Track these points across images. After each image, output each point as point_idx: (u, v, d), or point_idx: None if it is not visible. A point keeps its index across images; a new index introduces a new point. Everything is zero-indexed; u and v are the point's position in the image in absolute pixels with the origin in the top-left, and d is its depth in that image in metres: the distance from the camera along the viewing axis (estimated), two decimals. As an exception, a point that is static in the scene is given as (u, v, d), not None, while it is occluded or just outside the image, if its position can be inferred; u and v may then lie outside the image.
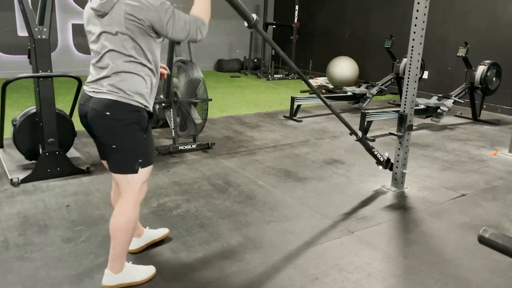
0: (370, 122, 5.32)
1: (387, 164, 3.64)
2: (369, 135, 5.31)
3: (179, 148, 4.41)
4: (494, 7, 6.80)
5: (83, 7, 9.08)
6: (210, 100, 4.43)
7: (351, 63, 8.68)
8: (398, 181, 3.65)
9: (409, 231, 2.98)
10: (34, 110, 3.66)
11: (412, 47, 3.38)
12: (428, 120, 6.07)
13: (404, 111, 3.51)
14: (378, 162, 3.61)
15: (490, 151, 4.86)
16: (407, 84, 3.48)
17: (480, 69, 6.12)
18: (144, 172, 2.13)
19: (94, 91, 2.02)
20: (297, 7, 9.83)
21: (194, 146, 4.49)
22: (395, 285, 2.35)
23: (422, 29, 3.31)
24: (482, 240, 1.36)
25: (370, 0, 8.86)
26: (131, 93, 2.00)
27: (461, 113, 6.67)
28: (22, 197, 3.25)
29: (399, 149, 3.60)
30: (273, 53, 11.39)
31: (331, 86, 8.56)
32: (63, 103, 5.49)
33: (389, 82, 7.22)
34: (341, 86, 8.13)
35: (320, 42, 10.25)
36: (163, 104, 4.50)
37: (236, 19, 10.89)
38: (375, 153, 3.54)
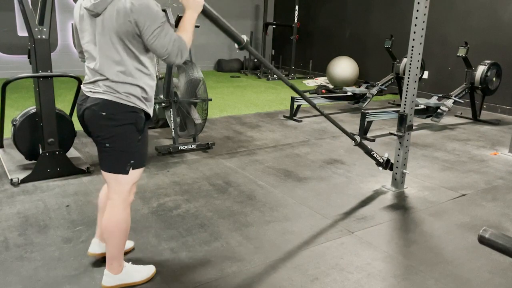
0: (370, 122, 5.32)
1: (387, 164, 3.64)
2: (369, 135, 5.31)
3: (179, 148, 4.41)
4: (494, 7, 6.80)
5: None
6: (210, 100, 4.44)
7: (351, 63, 8.68)
8: (398, 181, 3.65)
9: (409, 231, 2.98)
10: (34, 110, 3.66)
11: (412, 47, 3.38)
12: (428, 120, 6.07)
13: (404, 111, 3.51)
14: (378, 163, 3.62)
15: (490, 151, 4.86)
16: (407, 84, 3.48)
17: (480, 69, 6.12)
18: (135, 174, 2.12)
19: (91, 91, 2.02)
20: (297, 7, 9.83)
21: (194, 146, 4.49)
22: (395, 285, 2.35)
23: (422, 29, 3.31)
24: (482, 240, 1.35)
25: (370, 0, 8.86)
26: (128, 95, 1.99)
27: (461, 113, 6.67)
28: (22, 197, 3.25)
29: (399, 149, 3.60)
30: (273, 53, 11.40)
31: (331, 86, 8.56)
32: (63, 103, 5.49)
33: (389, 82, 7.22)
34: (341, 86, 8.14)
35: (320, 42, 10.25)
36: (163, 104, 4.50)
37: (236, 19, 10.91)
38: (374, 155, 3.54)
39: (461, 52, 6.11)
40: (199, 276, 2.35)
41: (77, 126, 2.38)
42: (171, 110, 4.45)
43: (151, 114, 2.15)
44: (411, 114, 3.52)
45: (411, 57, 3.41)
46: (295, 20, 9.91)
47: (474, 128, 5.94)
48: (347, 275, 2.41)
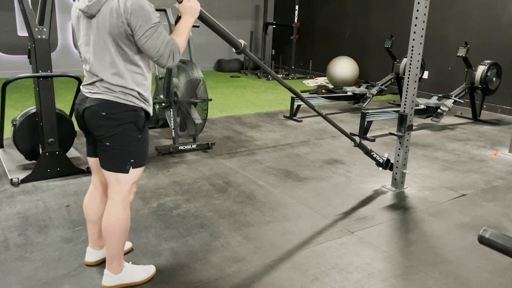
0: (370, 122, 5.32)
1: (387, 164, 3.64)
2: (369, 135, 5.31)
3: (179, 148, 4.41)
4: (494, 7, 6.80)
5: (83, 7, 8.84)
6: (210, 100, 4.43)
7: (351, 63, 8.68)
8: (398, 181, 3.65)
9: (409, 231, 2.98)
10: (34, 110, 3.66)
11: (412, 47, 3.38)
12: (428, 120, 6.07)
13: (404, 111, 3.51)
14: (378, 163, 3.62)
15: (490, 151, 4.86)
16: (407, 84, 3.48)
17: (480, 69, 6.12)
18: (135, 173, 2.11)
19: (90, 92, 2.02)
20: (297, 7, 9.83)
21: (194, 146, 4.49)
22: (395, 285, 2.35)
23: (422, 29, 3.31)
24: (482, 240, 1.35)
25: (370, 0, 8.86)
26: (126, 94, 1.99)
27: (461, 113, 6.67)
28: (22, 197, 3.25)
29: (399, 149, 3.60)
30: (273, 53, 11.40)
31: (331, 86, 8.56)
32: (63, 103, 5.49)
33: (389, 82, 7.22)
34: (341, 86, 8.14)
35: (320, 42, 10.25)
36: (163, 104, 4.50)
37: (236, 19, 10.92)
38: (374, 155, 3.54)
39: (461, 52, 6.11)
40: (199, 276, 2.35)
41: (77, 126, 2.37)
42: (171, 110, 4.45)
43: (151, 113, 2.15)
44: (411, 114, 3.52)
45: (411, 57, 3.41)
46: (295, 20, 9.91)
47: (474, 128, 5.94)
48: (347, 275, 2.41)
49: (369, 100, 6.95)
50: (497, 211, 3.32)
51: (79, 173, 3.69)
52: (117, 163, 2.06)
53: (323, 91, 8.05)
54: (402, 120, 3.51)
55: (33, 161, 3.69)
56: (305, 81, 9.58)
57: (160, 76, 4.77)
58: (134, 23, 1.86)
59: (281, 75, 10.04)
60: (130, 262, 2.32)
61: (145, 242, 2.66)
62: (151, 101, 2.14)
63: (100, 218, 2.31)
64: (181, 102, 4.39)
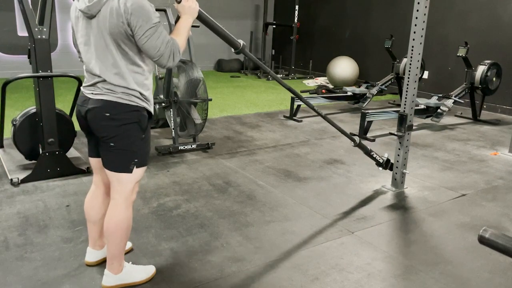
0: (370, 122, 5.32)
1: (387, 164, 3.64)
2: (369, 135, 5.31)
3: (179, 148, 4.41)
4: (494, 7, 6.80)
5: (83, 7, 8.79)
6: (210, 100, 4.43)
7: (351, 63, 8.68)
8: (398, 181, 3.65)
9: (409, 231, 2.98)
10: (34, 110, 3.66)
11: (412, 47, 3.38)
12: (428, 120, 6.07)
13: (404, 111, 3.51)
14: (378, 164, 3.62)
15: (490, 151, 4.86)
16: (407, 84, 3.48)
17: (480, 69, 6.12)
18: (138, 173, 2.12)
19: (92, 93, 2.02)
20: (297, 7, 9.83)
21: (194, 146, 4.49)
22: (395, 285, 2.35)
23: (422, 29, 3.31)
24: (482, 240, 1.35)
25: (370, 0, 8.86)
26: (128, 95, 2.00)
27: (461, 113, 6.67)
28: (22, 197, 3.25)
29: (399, 149, 3.60)
30: (273, 53, 11.40)
31: (331, 86, 8.56)
32: (63, 103, 5.49)
33: (389, 82, 7.22)
34: (341, 86, 8.14)
35: (320, 42, 10.25)
36: (163, 104, 4.50)
37: (236, 19, 10.92)
38: (374, 155, 3.54)
39: (461, 52, 6.11)
40: (199, 276, 2.35)
41: (77, 126, 2.38)
42: (171, 110, 4.45)
43: (153, 112, 2.16)
44: (411, 114, 3.52)
45: (411, 57, 3.41)
46: (295, 20, 9.92)
47: (474, 128, 5.94)
48: (347, 275, 2.41)
49: (369, 100, 6.95)
50: (497, 211, 3.32)
51: (79, 173, 3.69)
52: (121, 163, 2.07)
53: (323, 91, 8.05)
54: (402, 120, 3.51)
55: (33, 161, 3.69)
56: (305, 81, 9.58)
57: (160, 76, 4.77)
58: (134, 23, 1.86)
59: (281, 75, 10.04)
60: (130, 262, 2.32)
61: (145, 242, 2.66)
62: (152, 101, 2.14)
63: (101, 218, 2.31)
64: (181, 102, 4.39)
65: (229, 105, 6.85)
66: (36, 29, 3.34)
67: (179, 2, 2.05)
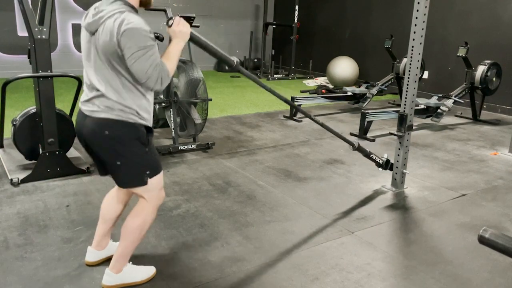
0: (370, 122, 5.32)
1: (386, 165, 3.64)
2: (369, 135, 5.31)
3: (179, 148, 4.41)
4: (494, 7, 6.80)
5: (83, 7, 9.10)
6: (210, 100, 4.44)
7: (351, 63, 8.68)
8: (398, 181, 3.65)
9: (409, 231, 2.98)
10: (34, 110, 3.66)
11: (412, 47, 3.38)
12: (428, 120, 6.07)
13: (404, 111, 3.51)
14: (378, 165, 3.62)
15: (490, 151, 4.86)
16: (407, 84, 3.48)
17: (480, 69, 6.12)
18: (155, 181, 2.12)
19: (90, 110, 2.00)
20: (297, 7, 9.83)
21: (194, 146, 4.49)
22: (395, 285, 2.35)
23: (422, 29, 3.31)
24: (482, 240, 1.35)
25: (370, 0, 8.86)
26: (124, 112, 1.97)
27: (461, 113, 6.67)
28: (22, 197, 3.25)
29: (399, 149, 3.60)
30: (273, 53, 11.39)
31: (331, 86, 8.56)
32: (63, 103, 5.49)
33: (389, 82, 7.23)
34: (341, 86, 8.14)
35: (320, 42, 10.25)
36: (163, 104, 4.50)
37: (236, 19, 10.92)
38: (374, 157, 3.54)
39: (461, 52, 6.11)
40: (199, 276, 2.35)
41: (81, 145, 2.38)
42: (171, 110, 4.45)
43: (151, 126, 2.13)
44: (411, 114, 3.52)
45: (411, 57, 3.41)
46: (295, 20, 9.91)
47: (474, 128, 5.94)
48: (347, 275, 2.41)
49: (369, 100, 6.95)
50: (497, 211, 3.32)
51: (79, 173, 3.69)
52: (133, 179, 2.08)
53: (323, 91, 8.05)
54: (402, 120, 3.51)
55: (33, 161, 3.69)
56: (305, 81, 9.57)
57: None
58: (123, 44, 1.85)
59: (281, 75, 10.03)
60: (131, 262, 2.32)
61: (145, 242, 2.66)
62: (151, 116, 2.11)
63: (113, 218, 2.38)
64: (181, 102, 4.39)
65: (229, 105, 6.85)
66: (36, 29, 3.34)
67: (170, 26, 2.05)
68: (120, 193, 2.35)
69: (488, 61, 6.15)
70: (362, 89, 7.15)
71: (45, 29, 3.38)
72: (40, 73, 3.40)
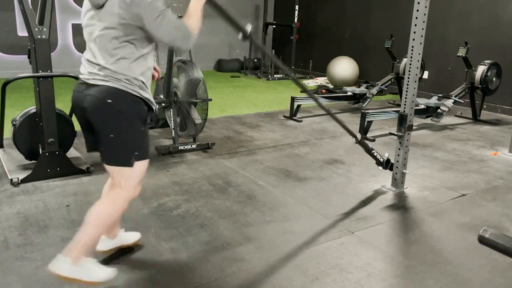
0: (370, 122, 5.32)
1: (387, 164, 3.64)
2: (369, 135, 5.31)
3: (179, 148, 4.41)
4: (494, 7, 6.80)
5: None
6: (210, 100, 4.44)
7: (351, 63, 8.68)
8: (398, 181, 3.65)
9: (409, 231, 2.98)
10: (34, 110, 3.66)
11: (412, 47, 3.38)
12: (428, 120, 6.07)
13: (404, 111, 3.51)
14: (378, 163, 3.62)
15: (490, 151, 4.86)
16: (407, 84, 3.48)
17: (480, 69, 6.12)
18: (139, 167, 2.09)
19: (94, 79, 2.00)
20: (297, 7, 9.83)
21: (194, 146, 4.49)
22: (395, 285, 2.35)
23: (422, 29, 3.31)
24: (482, 240, 1.36)
25: (370, 0, 8.86)
26: (132, 84, 2.00)
27: (461, 113, 6.67)
28: (22, 197, 3.25)
29: (399, 149, 3.60)
30: (273, 53, 11.39)
31: (331, 86, 8.56)
32: (63, 103, 5.48)
33: (389, 82, 7.22)
34: (341, 86, 8.13)
35: (320, 42, 10.25)
36: (163, 104, 4.50)
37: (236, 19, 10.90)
38: (375, 154, 3.54)
39: (461, 52, 6.11)
40: (199, 276, 2.35)
41: (77, 126, 2.37)
42: (171, 110, 4.45)
43: (153, 107, 2.15)
44: (411, 114, 3.52)
45: (411, 57, 3.41)
46: (295, 20, 9.91)
47: (474, 128, 5.94)
48: (347, 275, 2.41)
49: (369, 100, 6.95)
50: (497, 211, 3.32)
51: (79, 173, 3.69)
52: (122, 155, 2.03)
53: (323, 91, 8.04)
54: (402, 120, 3.51)
55: (33, 161, 3.69)
56: (305, 81, 9.57)
57: (160, 76, 4.76)
58: (143, 14, 1.88)
59: (281, 75, 10.03)
60: (96, 260, 2.24)
61: (145, 242, 2.66)
62: (150, 94, 2.13)
63: None
64: (181, 102, 4.39)
65: (229, 105, 6.85)
66: (36, 29, 3.34)
67: None
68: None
69: (488, 61, 6.15)
70: (362, 89, 7.15)
71: (45, 29, 3.37)
72: (40, 73, 3.40)
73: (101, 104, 1.97)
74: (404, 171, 3.62)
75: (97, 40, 1.98)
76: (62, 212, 3.03)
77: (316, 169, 4.11)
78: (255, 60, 10.84)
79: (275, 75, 9.88)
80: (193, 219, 3.00)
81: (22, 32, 8.29)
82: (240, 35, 2.44)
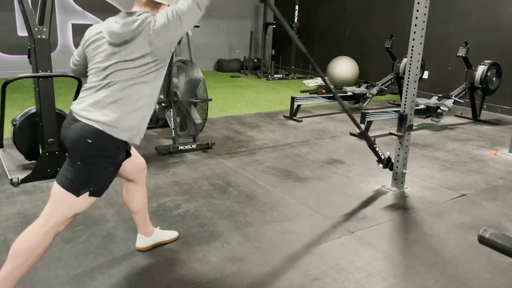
0: (370, 122, 5.32)
1: (387, 163, 3.63)
2: (369, 135, 5.30)
3: (179, 148, 4.41)
4: (494, 7, 6.80)
5: (83, 7, 9.03)
6: (210, 100, 4.44)
7: (351, 63, 8.68)
8: (398, 181, 3.65)
9: (409, 231, 2.98)
10: (34, 110, 3.66)
11: (412, 47, 3.38)
12: (428, 120, 6.07)
13: (404, 111, 3.51)
14: (379, 160, 3.61)
15: (490, 151, 4.86)
16: (407, 84, 3.48)
17: (480, 69, 6.12)
18: (84, 202, 1.91)
19: (83, 116, 1.87)
20: (297, 7, 9.83)
21: (194, 146, 4.49)
22: (395, 285, 2.35)
23: (422, 29, 3.31)
24: (482, 240, 1.36)
25: (370, 0, 8.86)
26: (123, 126, 1.88)
27: (461, 113, 6.67)
28: (22, 197, 3.25)
29: (399, 149, 3.60)
30: (273, 53, 11.39)
31: (331, 86, 8.55)
32: (63, 103, 5.49)
33: (389, 82, 7.22)
34: (341, 86, 8.13)
35: (320, 42, 10.25)
36: (163, 104, 4.50)
37: (236, 19, 10.91)
38: (377, 149, 3.53)
39: (461, 52, 6.11)
40: (199, 276, 2.35)
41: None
42: (171, 110, 4.45)
43: (130, 148, 2.06)
44: (411, 114, 3.52)
45: (411, 57, 3.41)
46: (295, 20, 9.91)
47: (474, 128, 5.94)
48: (347, 275, 2.41)
49: (369, 100, 6.95)
50: (497, 211, 3.32)
51: (79, 173, 3.69)
52: (76, 183, 1.87)
53: (323, 91, 8.04)
54: (402, 120, 3.51)
55: (33, 161, 3.69)
56: (305, 81, 9.58)
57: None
58: (164, 22, 1.88)
59: (281, 75, 10.03)
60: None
61: (145, 242, 2.66)
62: (142, 131, 2.00)
63: (140, 208, 2.46)
64: (181, 102, 4.39)
65: (229, 105, 6.85)
66: (36, 29, 3.34)
67: None
68: (130, 185, 2.39)
69: (488, 61, 6.15)
70: (362, 89, 7.15)
71: (45, 29, 3.37)
72: (40, 73, 3.40)
73: (81, 141, 1.85)
74: (404, 171, 3.62)
75: (108, 78, 1.88)
76: (62, 212, 3.03)
77: (316, 169, 4.11)
78: (255, 60, 10.85)
79: (275, 75, 9.88)
80: (193, 219, 3.00)
81: (22, 32, 8.29)
82: None
